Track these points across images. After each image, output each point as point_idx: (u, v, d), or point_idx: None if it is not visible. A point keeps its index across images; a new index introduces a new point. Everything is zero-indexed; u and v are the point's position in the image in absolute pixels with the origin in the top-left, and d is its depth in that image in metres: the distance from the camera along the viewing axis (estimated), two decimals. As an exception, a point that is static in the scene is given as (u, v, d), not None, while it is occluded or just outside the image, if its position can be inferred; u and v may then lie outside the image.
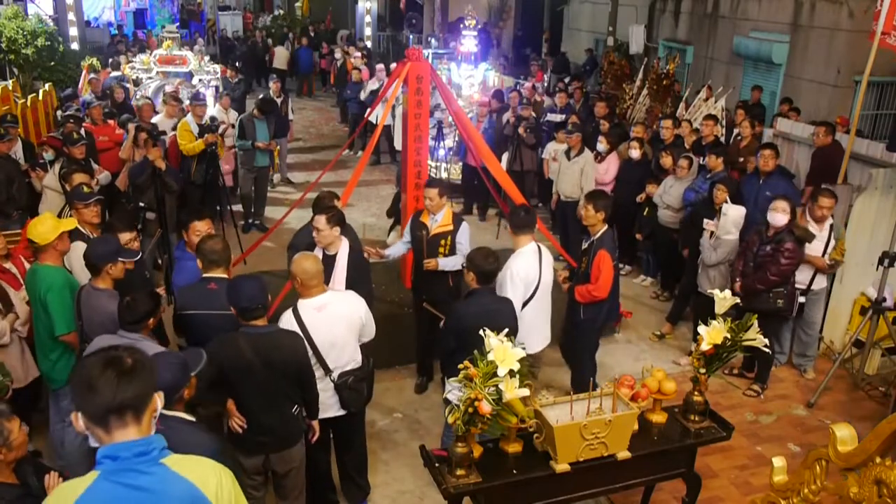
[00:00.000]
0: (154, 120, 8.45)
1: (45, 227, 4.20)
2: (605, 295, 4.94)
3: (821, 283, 5.87)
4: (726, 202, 5.97)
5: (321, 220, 4.57)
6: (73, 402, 1.98)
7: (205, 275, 4.07)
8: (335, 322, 3.90)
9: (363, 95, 12.37)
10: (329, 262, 4.56)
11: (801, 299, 5.74)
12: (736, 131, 8.46)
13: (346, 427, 4.24)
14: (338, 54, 15.65)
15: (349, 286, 4.55)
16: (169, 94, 9.41)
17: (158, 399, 2.00)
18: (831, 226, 5.72)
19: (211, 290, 3.98)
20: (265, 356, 3.46)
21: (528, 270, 4.68)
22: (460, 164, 10.03)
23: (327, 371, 3.93)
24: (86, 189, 5.02)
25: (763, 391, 5.81)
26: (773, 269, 5.42)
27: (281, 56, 19.16)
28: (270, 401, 3.56)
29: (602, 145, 8.04)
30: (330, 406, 4.02)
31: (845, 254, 5.90)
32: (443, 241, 5.28)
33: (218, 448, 2.79)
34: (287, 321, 3.82)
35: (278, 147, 10.24)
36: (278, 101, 10.53)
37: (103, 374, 1.88)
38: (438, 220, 5.28)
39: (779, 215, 5.42)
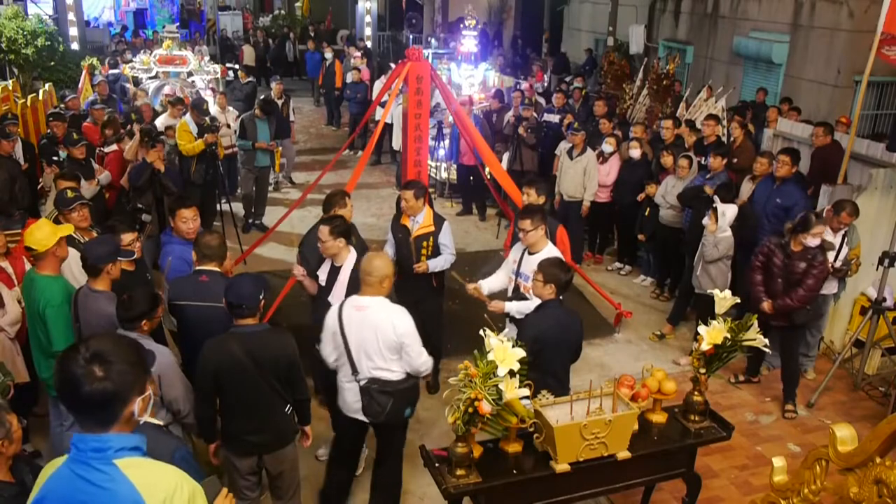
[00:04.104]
0: (159, 120, 8.44)
1: (43, 233, 4.11)
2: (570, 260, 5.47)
3: (831, 287, 5.81)
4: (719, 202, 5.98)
5: (324, 231, 4.35)
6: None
7: (197, 267, 4.17)
8: (366, 327, 3.76)
9: (373, 95, 12.35)
10: (334, 274, 4.44)
11: None
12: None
13: (381, 438, 4.14)
14: (328, 54, 15.54)
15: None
16: (169, 96, 9.39)
17: (137, 402, 2.03)
18: (844, 233, 5.66)
19: (202, 282, 4.08)
20: (255, 354, 3.47)
21: None
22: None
23: (354, 371, 3.83)
24: (69, 193, 4.94)
25: (795, 407, 5.65)
26: (812, 283, 5.30)
27: (249, 54, 19.32)
28: (263, 401, 3.56)
29: (609, 146, 7.96)
30: (355, 408, 3.93)
31: (859, 264, 5.84)
32: (425, 243, 5.26)
33: (182, 453, 2.81)
34: (332, 311, 3.85)
35: (279, 147, 10.23)
36: (279, 102, 10.50)
37: (81, 369, 1.95)
38: (419, 222, 5.25)
39: (816, 240, 5.25)
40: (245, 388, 3.51)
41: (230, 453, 3.71)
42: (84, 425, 2.01)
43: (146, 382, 2.07)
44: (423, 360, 3.84)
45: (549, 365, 3.95)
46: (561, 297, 4.09)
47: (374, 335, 3.75)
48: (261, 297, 3.54)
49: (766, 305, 5.43)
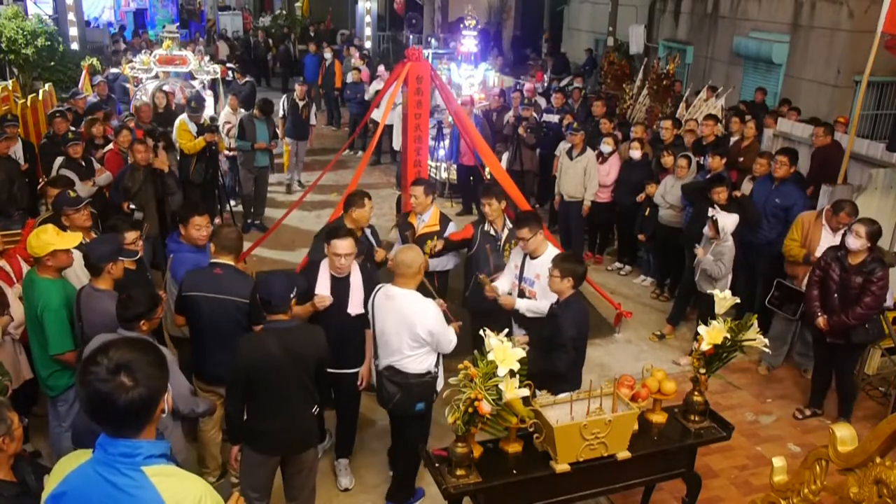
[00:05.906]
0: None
1: (40, 241, 4.04)
2: None
3: None
4: (717, 209, 5.95)
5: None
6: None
7: (213, 259, 4.23)
8: (389, 314, 3.95)
9: (367, 97, 12.32)
10: (343, 285, 4.30)
11: None
12: (736, 129, 8.40)
13: (393, 425, 4.45)
14: (327, 54, 15.51)
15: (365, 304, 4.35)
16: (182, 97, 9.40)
17: (165, 399, 2.03)
18: (843, 233, 5.64)
19: (216, 274, 4.15)
20: (289, 349, 3.52)
21: None
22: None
23: (375, 355, 4.12)
24: (72, 193, 4.93)
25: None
26: (870, 300, 4.98)
27: (223, 50, 19.34)
28: (293, 399, 3.60)
29: (607, 146, 7.96)
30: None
31: None
32: (429, 242, 5.27)
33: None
34: (373, 295, 4.09)
35: (290, 148, 10.22)
36: (301, 104, 10.39)
37: (108, 383, 1.89)
38: (425, 220, 5.29)
39: (860, 241, 4.97)
40: (277, 385, 3.54)
41: (256, 452, 3.72)
42: (116, 434, 1.95)
43: (168, 378, 2.06)
44: (451, 344, 4.08)
45: (581, 356, 4.18)
46: (577, 289, 4.18)
47: (395, 322, 3.92)
48: (292, 294, 3.60)
49: (821, 321, 5.17)
